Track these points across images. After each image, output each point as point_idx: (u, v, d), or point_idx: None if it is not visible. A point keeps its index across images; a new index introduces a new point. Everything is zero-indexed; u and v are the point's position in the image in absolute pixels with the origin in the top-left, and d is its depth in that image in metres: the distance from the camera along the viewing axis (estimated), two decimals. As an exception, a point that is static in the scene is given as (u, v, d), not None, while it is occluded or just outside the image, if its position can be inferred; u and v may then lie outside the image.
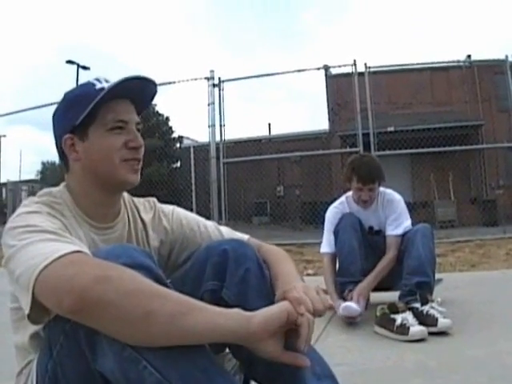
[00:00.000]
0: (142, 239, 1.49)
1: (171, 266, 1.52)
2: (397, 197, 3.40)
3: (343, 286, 3.12)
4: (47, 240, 1.08)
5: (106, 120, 1.32)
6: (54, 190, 1.37)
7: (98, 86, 1.33)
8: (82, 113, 1.29)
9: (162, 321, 0.97)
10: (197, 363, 1.02)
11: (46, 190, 1.36)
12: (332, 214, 3.45)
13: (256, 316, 1.04)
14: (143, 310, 0.96)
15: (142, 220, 1.52)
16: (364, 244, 3.23)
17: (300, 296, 1.13)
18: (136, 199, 1.56)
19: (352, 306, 2.90)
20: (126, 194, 1.51)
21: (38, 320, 1.10)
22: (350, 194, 3.47)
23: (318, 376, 1.19)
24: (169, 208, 1.60)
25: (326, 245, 3.41)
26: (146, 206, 1.56)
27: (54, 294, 0.98)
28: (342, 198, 3.51)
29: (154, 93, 1.43)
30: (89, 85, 1.35)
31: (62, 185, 1.40)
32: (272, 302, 1.20)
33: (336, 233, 3.29)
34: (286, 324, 1.06)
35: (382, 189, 3.41)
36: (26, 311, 1.05)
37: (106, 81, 1.35)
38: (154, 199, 1.61)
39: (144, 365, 0.99)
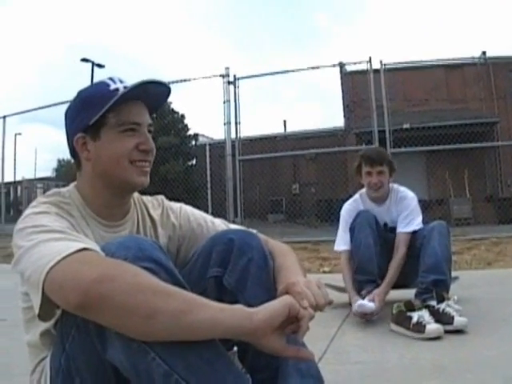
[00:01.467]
0: (151, 236, 1.51)
1: (180, 262, 1.52)
2: (410, 194, 3.40)
3: (361, 284, 3.14)
4: (55, 239, 1.10)
5: (120, 122, 1.33)
6: (63, 189, 1.39)
7: (112, 86, 1.34)
8: (95, 114, 1.31)
9: (166, 318, 0.98)
10: (204, 356, 1.04)
11: (54, 189, 1.39)
12: (346, 211, 3.47)
13: (259, 312, 1.05)
14: (146, 308, 0.98)
15: (151, 217, 1.54)
16: (380, 241, 3.23)
17: (303, 290, 1.15)
18: (144, 197, 1.57)
19: (367, 304, 2.91)
20: (135, 193, 1.52)
21: (46, 318, 1.13)
22: (363, 190, 3.48)
23: (302, 374, 1.21)
24: (176, 205, 1.62)
25: (342, 242, 3.43)
26: (155, 204, 1.58)
27: (61, 292, 1.01)
28: (356, 196, 3.53)
29: (168, 94, 1.44)
30: (103, 84, 1.36)
31: (72, 184, 1.43)
32: (272, 293, 1.22)
33: (352, 230, 3.30)
34: (288, 318, 1.08)
35: (395, 186, 3.42)
36: (36, 310, 1.08)
37: (121, 81, 1.36)
38: (162, 197, 1.63)
39: (152, 356, 1.02)
